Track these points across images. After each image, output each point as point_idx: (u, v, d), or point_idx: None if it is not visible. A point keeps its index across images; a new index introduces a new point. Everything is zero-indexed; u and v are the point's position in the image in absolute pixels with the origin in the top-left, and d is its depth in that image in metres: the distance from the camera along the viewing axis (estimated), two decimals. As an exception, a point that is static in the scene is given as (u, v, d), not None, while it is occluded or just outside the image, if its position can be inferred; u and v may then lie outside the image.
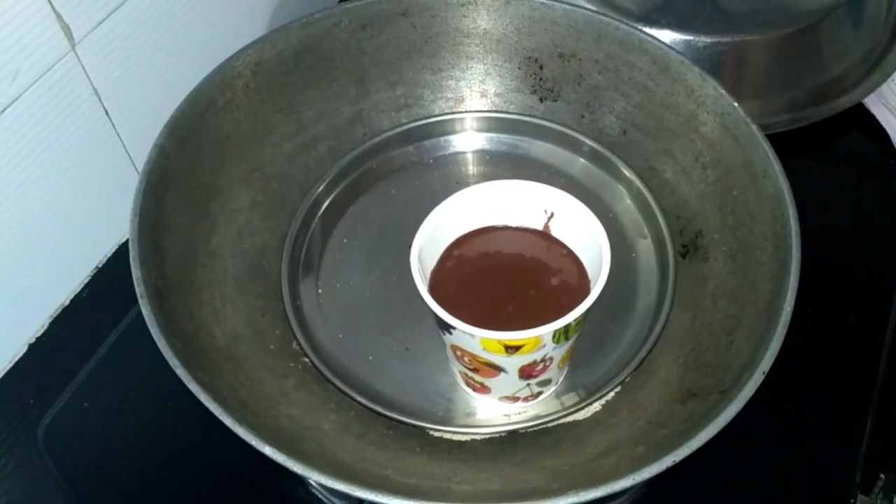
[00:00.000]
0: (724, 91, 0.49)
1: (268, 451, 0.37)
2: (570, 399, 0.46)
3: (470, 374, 0.44)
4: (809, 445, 0.50)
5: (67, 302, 0.57)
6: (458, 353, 0.42)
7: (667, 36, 0.59)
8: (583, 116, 0.56)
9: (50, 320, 0.56)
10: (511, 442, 0.45)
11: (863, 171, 0.64)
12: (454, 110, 0.58)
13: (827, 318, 0.53)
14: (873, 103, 0.64)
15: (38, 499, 0.50)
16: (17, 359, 0.54)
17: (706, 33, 0.60)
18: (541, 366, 0.42)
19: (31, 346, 0.55)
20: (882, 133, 0.63)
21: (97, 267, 0.58)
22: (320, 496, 0.49)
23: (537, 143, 0.57)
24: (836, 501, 0.48)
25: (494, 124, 0.57)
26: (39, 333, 0.55)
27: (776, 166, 0.46)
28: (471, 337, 0.39)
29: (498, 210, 0.45)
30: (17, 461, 0.51)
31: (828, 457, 0.49)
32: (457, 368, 0.45)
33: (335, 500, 0.48)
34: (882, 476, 0.48)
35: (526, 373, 0.42)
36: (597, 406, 0.46)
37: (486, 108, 0.58)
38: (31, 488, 0.50)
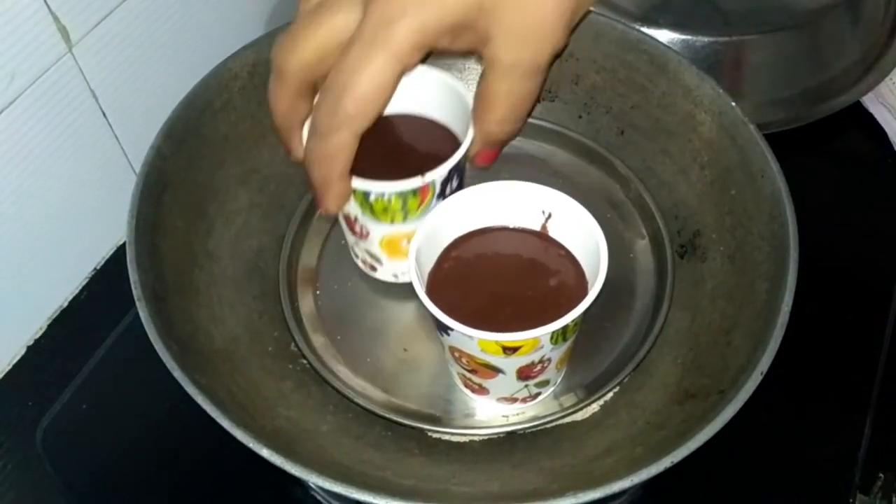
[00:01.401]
0: (721, 91, 0.49)
1: (265, 453, 0.37)
2: (569, 400, 0.46)
3: (468, 375, 0.44)
4: (808, 445, 0.50)
5: (66, 304, 0.57)
6: (456, 354, 0.42)
7: (665, 36, 0.59)
8: (580, 117, 0.56)
9: (48, 322, 0.56)
10: (510, 443, 0.45)
11: (861, 171, 0.64)
12: (452, 111, 0.58)
13: (825, 318, 0.53)
14: (871, 102, 0.64)
15: (37, 501, 0.50)
16: (15, 360, 0.54)
17: (704, 33, 0.60)
18: (539, 367, 0.42)
19: (30, 348, 0.55)
20: (880, 132, 0.63)
21: (95, 268, 0.58)
22: (319, 498, 0.49)
23: (534, 143, 0.57)
24: (835, 501, 0.48)
25: (492, 125, 0.57)
26: (38, 335, 0.55)
27: (774, 166, 0.46)
28: (468, 338, 0.39)
29: (495, 211, 0.45)
30: (15, 463, 0.51)
31: (827, 456, 0.49)
32: (455, 370, 0.45)
33: (334, 502, 0.48)
34: (881, 475, 0.48)
35: (524, 374, 0.42)
36: (595, 407, 0.46)
37: (483, 109, 0.58)
38: (29, 490, 0.50)
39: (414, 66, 0.39)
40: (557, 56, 0.41)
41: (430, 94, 0.46)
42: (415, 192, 0.42)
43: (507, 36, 0.39)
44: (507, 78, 0.40)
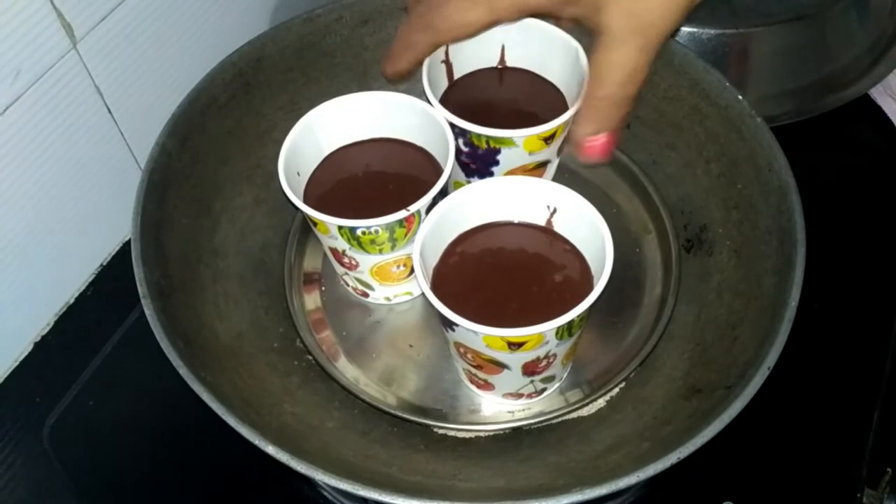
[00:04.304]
0: (728, 83, 0.49)
1: (271, 450, 0.37)
2: (575, 395, 0.46)
3: (473, 370, 0.44)
4: (816, 440, 0.49)
5: (72, 300, 0.57)
6: (462, 349, 0.42)
7: (670, 28, 0.59)
8: (586, 110, 0.55)
9: (55, 319, 0.56)
10: (515, 439, 0.45)
11: (869, 163, 0.63)
12: (457, 105, 0.57)
13: (833, 312, 0.53)
14: (879, 94, 0.64)
15: (44, 497, 0.50)
16: (22, 357, 0.54)
17: (710, 25, 0.60)
18: (544, 362, 0.42)
19: (37, 345, 0.55)
20: (888, 124, 0.63)
21: (102, 265, 0.58)
22: (326, 493, 0.49)
23: (540, 137, 0.57)
24: (842, 495, 0.47)
25: (497, 119, 0.57)
26: (45, 332, 0.55)
27: (781, 159, 0.45)
28: (474, 334, 0.39)
29: (500, 206, 0.45)
30: (22, 459, 0.51)
31: (834, 451, 0.49)
32: (460, 365, 0.45)
33: (341, 497, 0.48)
34: (889, 470, 0.48)
35: (529, 369, 0.42)
36: (601, 402, 0.46)
37: (488, 103, 0.57)
38: (36, 486, 0.50)
39: (512, 20, 0.43)
40: (669, 37, 0.40)
41: (413, 121, 0.47)
42: (401, 222, 0.43)
43: (619, 4, 0.39)
44: (619, 47, 0.39)
